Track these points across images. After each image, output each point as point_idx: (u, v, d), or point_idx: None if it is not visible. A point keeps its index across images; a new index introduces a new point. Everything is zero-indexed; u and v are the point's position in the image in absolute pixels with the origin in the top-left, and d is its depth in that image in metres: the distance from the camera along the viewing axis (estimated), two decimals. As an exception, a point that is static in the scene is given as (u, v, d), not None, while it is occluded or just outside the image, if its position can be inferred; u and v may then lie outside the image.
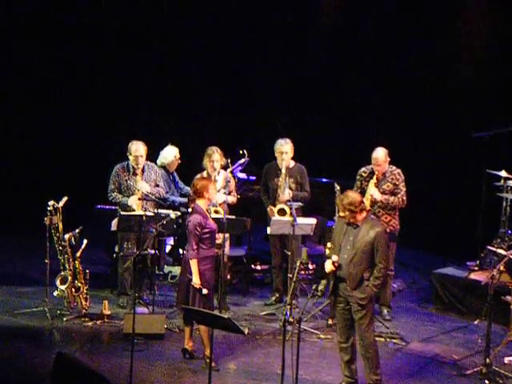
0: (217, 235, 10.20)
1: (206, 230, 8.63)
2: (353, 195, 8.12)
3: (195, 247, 8.57)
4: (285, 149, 10.47)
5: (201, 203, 8.73)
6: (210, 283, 8.65)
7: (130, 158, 10.27)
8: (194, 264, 8.56)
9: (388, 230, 9.98)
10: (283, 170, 10.47)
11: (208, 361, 8.53)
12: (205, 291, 8.50)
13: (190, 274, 8.56)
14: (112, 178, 10.32)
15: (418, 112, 13.27)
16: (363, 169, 10.29)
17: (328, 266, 8.05)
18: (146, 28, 14.30)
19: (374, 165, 10.12)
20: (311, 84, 14.09)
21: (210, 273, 8.69)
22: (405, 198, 10.12)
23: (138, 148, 10.23)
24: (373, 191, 10.03)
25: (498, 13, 12.74)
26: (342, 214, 8.07)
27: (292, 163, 10.61)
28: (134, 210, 10.09)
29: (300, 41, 14.21)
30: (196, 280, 8.53)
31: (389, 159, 10.14)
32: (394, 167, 10.22)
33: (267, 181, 10.67)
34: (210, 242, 8.70)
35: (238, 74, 14.26)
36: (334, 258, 8.00)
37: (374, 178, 10.11)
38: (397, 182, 10.14)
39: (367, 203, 9.96)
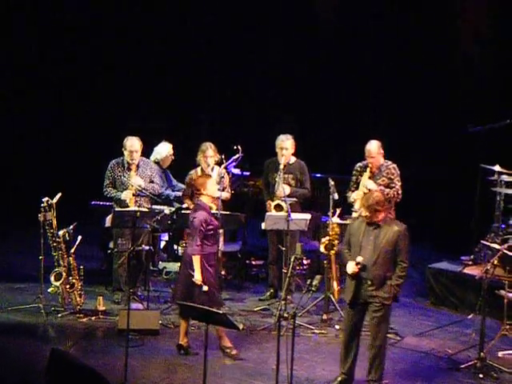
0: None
1: (210, 227, 8.62)
2: (378, 194, 8.11)
3: (199, 243, 8.56)
4: (285, 144, 10.47)
5: (204, 199, 8.71)
6: (213, 279, 8.65)
7: (125, 153, 10.26)
8: (196, 260, 8.54)
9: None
10: (281, 166, 10.47)
11: (228, 351, 8.64)
12: (205, 288, 8.48)
13: (192, 269, 8.55)
14: (107, 173, 10.31)
15: (412, 107, 13.28)
16: (359, 164, 10.29)
17: (351, 268, 7.98)
18: (144, 24, 14.28)
19: (367, 157, 10.11)
20: (307, 78, 14.08)
21: (214, 269, 8.69)
22: (400, 191, 10.12)
23: (133, 143, 10.22)
24: (367, 183, 10.01)
25: (496, 8, 12.76)
26: (365, 213, 8.01)
27: (293, 159, 10.60)
28: (128, 205, 10.08)
29: (298, 35, 14.19)
30: (198, 276, 8.52)
31: (382, 152, 10.13)
32: (389, 162, 10.21)
33: (268, 176, 10.67)
34: (213, 239, 8.69)
35: (234, 70, 14.25)
36: (359, 258, 7.94)
37: (368, 170, 10.10)
38: (392, 177, 10.13)
39: (362, 195, 9.96)
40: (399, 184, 10.13)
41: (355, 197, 10.02)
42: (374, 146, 10.09)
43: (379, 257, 7.90)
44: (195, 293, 8.50)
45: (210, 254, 8.65)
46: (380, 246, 7.91)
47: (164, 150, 11.23)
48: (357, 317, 8.07)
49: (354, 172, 10.30)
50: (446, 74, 13.06)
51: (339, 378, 8.18)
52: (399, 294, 8.03)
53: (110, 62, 14.17)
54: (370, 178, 10.07)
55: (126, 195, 10.13)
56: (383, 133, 10.94)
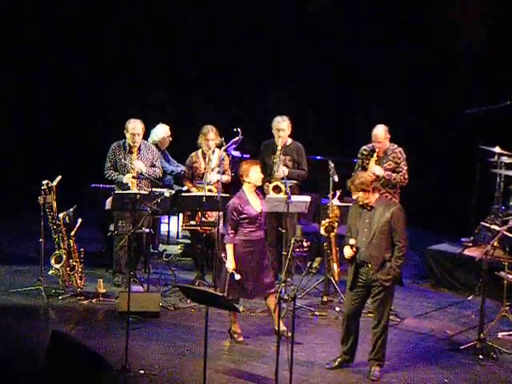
0: (210, 213, 10.27)
1: (244, 216, 8.57)
2: (364, 175, 8.09)
3: (230, 231, 8.59)
4: (282, 126, 10.45)
5: (245, 187, 8.69)
6: (246, 267, 8.59)
7: (127, 135, 10.22)
8: (228, 248, 8.57)
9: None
10: (279, 148, 10.46)
11: (235, 336, 8.77)
12: (237, 277, 8.50)
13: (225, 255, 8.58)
14: (108, 155, 10.29)
15: (412, 88, 13.24)
16: (364, 147, 10.24)
17: (347, 252, 8.01)
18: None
19: (374, 142, 10.08)
20: (307, 56, 14.01)
21: (250, 256, 8.62)
22: (407, 175, 10.10)
23: (135, 126, 10.19)
24: (374, 168, 9.99)
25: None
26: (354, 196, 8.02)
27: (289, 141, 10.59)
28: (129, 188, 10.08)
29: (296, 14, 14.14)
30: (229, 265, 8.55)
31: (389, 136, 10.11)
32: (395, 145, 10.17)
33: (264, 158, 10.65)
34: (251, 227, 8.61)
35: (233, 50, 14.19)
36: (352, 241, 7.97)
37: (375, 155, 10.07)
38: (398, 161, 10.09)
39: None
40: (406, 168, 10.09)
41: None
42: (380, 131, 10.05)
43: (374, 238, 7.91)
44: (226, 279, 8.53)
45: (247, 241, 8.61)
46: (374, 227, 7.91)
47: (161, 131, 11.20)
48: (358, 299, 8.08)
49: (359, 155, 10.26)
50: (446, 54, 13.01)
51: (340, 359, 8.22)
52: (400, 275, 8.02)
53: (115, 42, 14.10)
54: (376, 162, 10.05)
55: (128, 178, 10.13)
56: (382, 114, 10.93)
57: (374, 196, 7.99)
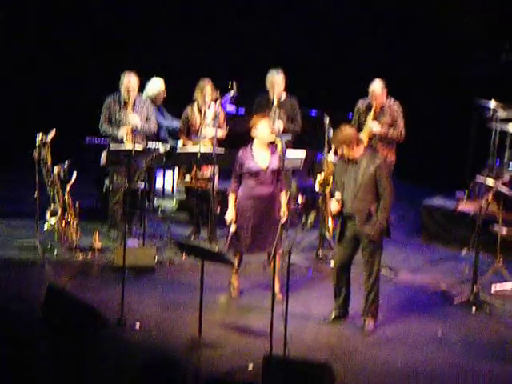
0: (206, 169, 10.25)
1: (245, 169, 8.54)
2: (346, 129, 8.07)
3: (233, 181, 8.62)
4: (276, 80, 10.39)
5: (255, 141, 8.61)
6: (246, 221, 8.57)
7: (122, 89, 10.15)
8: (230, 198, 8.62)
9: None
10: (275, 102, 10.42)
11: (231, 290, 8.84)
12: (232, 228, 8.53)
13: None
14: (103, 109, 10.22)
15: (408, 44, 13.16)
16: (360, 101, 10.21)
17: (334, 206, 8.06)
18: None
19: (371, 98, 10.04)
20: (305, 16, 13.93)
21: (251, 211, 8.56)
22: (403, 131, 10.08)
23: (130, 79, 10.11)
24: (371, 124, 9.96)
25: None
26: (338, 151, 8.03)
27: (284, 95, 10.54)
28: (124, 143, 10.05)
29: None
30: (227, 215, 8.59)
31: (386, 90, 10.05)
32: (392, 100, 10.13)
33: (258, 113, 10.59)
34: (253, 182, 8.56)
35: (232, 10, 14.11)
36: (338, 195, 8.00)
37: (372, 111, 10.03)
38: (395, 116, 10.08)
39: (365, 137, 9.94)
40: (402, 123, 10.07)
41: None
42: (377, 87, 10.00)
43: (359, 191, 7.93)
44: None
45: (248, 197, 8.57)
46: (359, 180, 7.93)
47: (156, 86, 11.11)
48: (346, 252, 8.13)
49: (356, 110, 10.23)
50: (444, 10, 12.93)
51: (333, 313, 8.28)
52: (388, 227, 8.04)
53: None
54: (373, 118, 10.01)
55: (123, 133, 10.08)
56: (377, 70, 10.87)
57: (359, 150, 8.00)
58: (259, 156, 8.60)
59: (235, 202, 8.61)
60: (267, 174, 8.57)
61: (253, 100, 10.73)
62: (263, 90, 10.49)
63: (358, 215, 7.95)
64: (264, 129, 8.57)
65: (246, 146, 8.62)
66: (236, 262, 8.74)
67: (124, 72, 10.17)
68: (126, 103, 10.17)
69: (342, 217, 8.07)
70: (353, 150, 7.95)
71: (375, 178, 7.91)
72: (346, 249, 8.11)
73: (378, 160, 8.02)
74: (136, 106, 10.21)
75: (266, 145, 8.63)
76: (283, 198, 8.60)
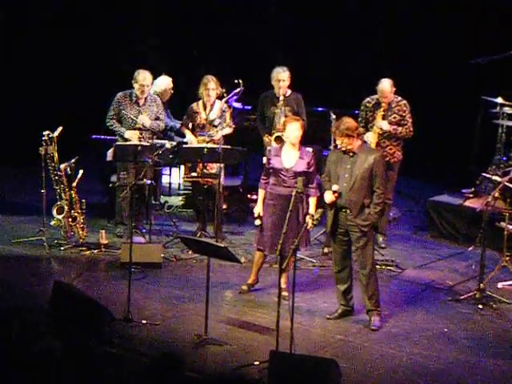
0: (212, 165, 10.25)
1: (270, 166, 8.59)
2: (349, 120, 8.09)
3: (263, 177, 8.68)
4: (282, 76, 10.38)
5: (286, 141, 8.64)
6: (267, 219, 8.57)
7: (136, 86, 10.10)
8: (259, 193, 8.68)
9: (392, 161, 10.03)
10: (280, 98, 10.42)
11: (244, 286, 8.84)
12: (257, 222, 8.58)
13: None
14: (113, 104, 10.19)
15: (414, 39, 13.13)
16: (367, 99, 10.18)
17: (328, 197, 8.07)
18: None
19: (380, 97, 10.03)
20: (310, 10, 13.90)
21: (272, 210, 8.56)
22: (412, 128, 10.08)
23: (145, 77, 10.08)
24: (381, 123, 9.95)
25: None
26: (338, 141, 8.05)
27: (289, 92, 10.53)
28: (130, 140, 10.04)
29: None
30: (256, 208, 8.66)
31: (394, 89, 10.05)
32: (399, 98, 10.12)
33: (264, 109, 10.60)
34: (275, 180, 8.57)
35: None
36: (335, 187, 8.01)
37: (381, 110, 10.01)
38: (403, 114, 10.07)
39: (375, 136, 9.93)
40: (410, 121, 10.07)
41: (369, 139, 9.92)
42: (386, 86, 9.98)
43: (355, 183, 7.95)
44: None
45: (271, 194, 8.58)
46: (356, 172, 7.95)
47: (163, 83, 11.11)
48: (342, 247, 8.15)
49: (362, 107, 10.21)
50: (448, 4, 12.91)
51: (339, 310, 8.28)
52: (378, 222, 8.10)
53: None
54: (382, 117, 9.99)
55: (130, 134, 10.05)
56: (384, 67, 10.86)
57: (357, 142, 8.02)
58: (286, 155, 8.60)
59: (263, 197, 8.63)
60: (289, 174, 8.54)
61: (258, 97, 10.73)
62: (269, 87, 10.50)
63: (352, 207, 7.98)
64: (291, 131, 8.53)
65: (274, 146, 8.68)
66: (257, 258, 8.76)
67: (138, 70, 10.15)
68: (137, 100, 10.15)
69: (334, 209, 8.08)
70: (353, 142, 7.98)
71: (372, 172, 7.94)
72: (341, 244, 8.14)
73: (377, 154, 8.10)
74: (146, 103, 10.20)
75: (296, 146, 8.60)
76: (311, 203, 8.57)
